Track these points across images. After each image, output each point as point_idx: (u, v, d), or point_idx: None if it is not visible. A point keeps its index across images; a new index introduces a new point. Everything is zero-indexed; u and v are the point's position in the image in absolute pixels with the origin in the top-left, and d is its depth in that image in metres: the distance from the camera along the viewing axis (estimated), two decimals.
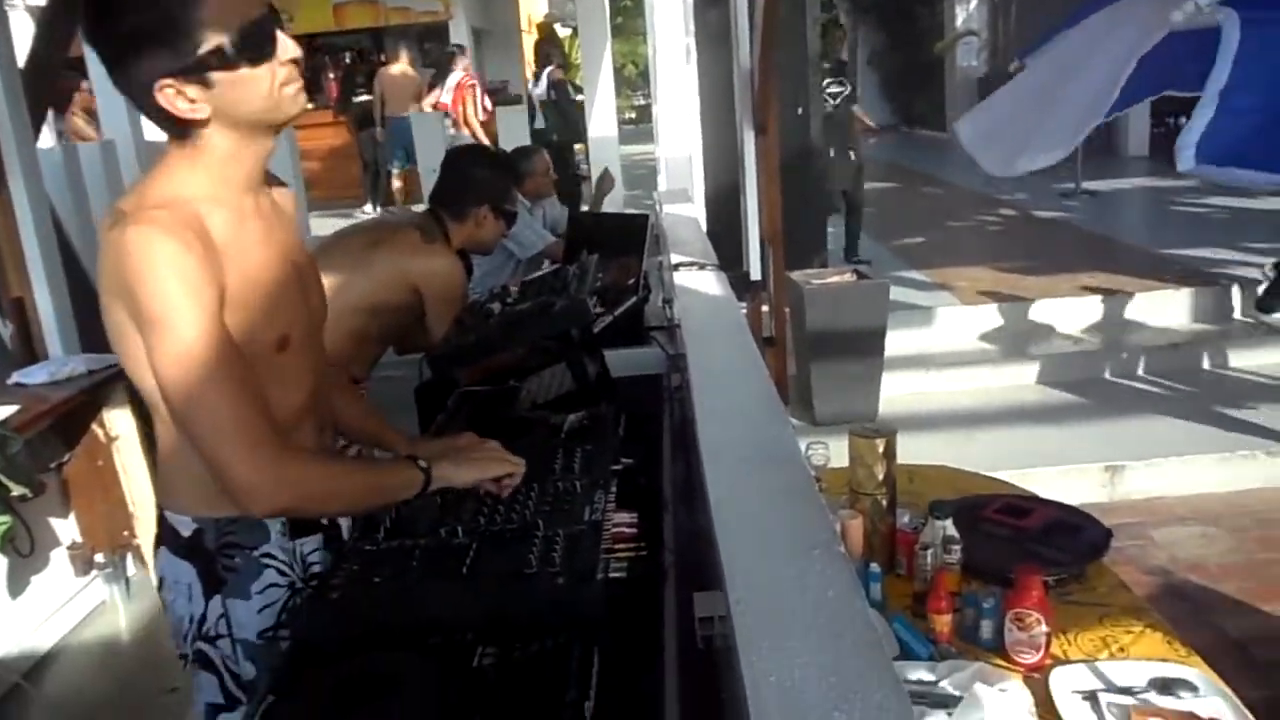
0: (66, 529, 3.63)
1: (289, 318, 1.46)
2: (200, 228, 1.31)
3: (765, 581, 1.05)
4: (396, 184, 10.43)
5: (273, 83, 1.35)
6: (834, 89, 7.12)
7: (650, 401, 2.34)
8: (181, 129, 1.35)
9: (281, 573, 1.54)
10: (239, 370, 1.33)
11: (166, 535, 1.53)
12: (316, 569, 1.59)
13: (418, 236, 2.61)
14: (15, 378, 3.54)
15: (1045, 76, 2.10)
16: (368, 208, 10.70)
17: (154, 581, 1.61)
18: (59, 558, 3.59)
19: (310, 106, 11.64)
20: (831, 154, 7.16)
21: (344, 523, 1.69)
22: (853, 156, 7.45)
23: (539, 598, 1.26)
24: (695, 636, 1.22)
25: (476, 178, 2.71)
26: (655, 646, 1.32)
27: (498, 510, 1.54)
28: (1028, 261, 7.03)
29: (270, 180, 1.53)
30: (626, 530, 1.44)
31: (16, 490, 2.98)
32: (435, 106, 9.47)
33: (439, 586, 1.31)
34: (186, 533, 1.51)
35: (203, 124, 1.34)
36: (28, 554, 3.27)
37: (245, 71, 1.32)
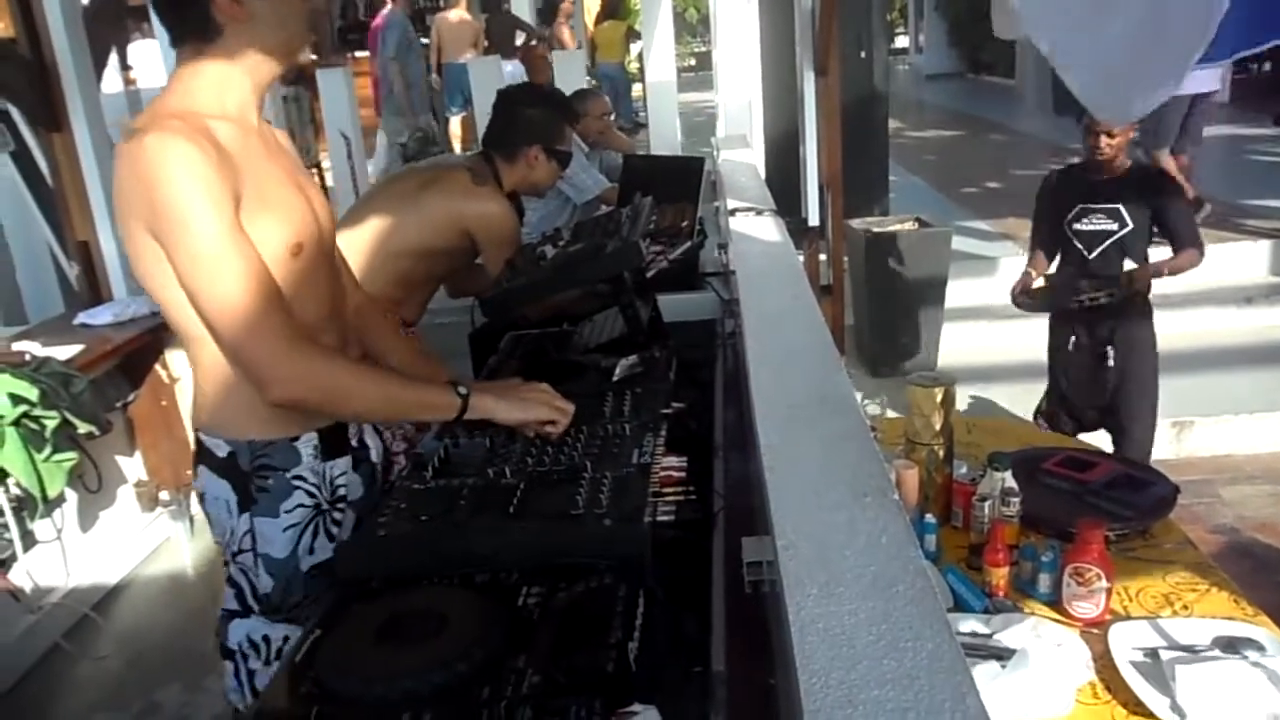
0: (133, 467, 3.73)
1: (300, 225, 1.51)
2: (211, 136, 1.38)
3: (815, 527, 1.02)
4: (455, 130, 10.42)
5: (303, 17, 1.47)
6: (1097, 225, 3.40)
7: (704, 347, 2.31)
8: (211, 30, 1.41)
9: (310, 494, 1.60)
10: (256, 266, 1.39)
11: (205, 455, 1.60)
12: (343, 492, 1.66)
13: (468, 179, 2.58)
14: (81, 318, 3.62)
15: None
16: None
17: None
18: (126, 494, 3.69)
19: (366, 54, 11.65)
20: (1072, 346, 3.51)
21: (374, 446, 1.76)
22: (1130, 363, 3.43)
23: (585, 539, 1.24)
24: (743, 582, 1.21)
25: (527, 117, 2.66)
26: (702, 590, 1.31)
27: (546, 452, 1.53)
28: None
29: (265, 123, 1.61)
30: (675, 474, 1.42)
31: (83, 428, 3.05)
32: None
33: (486, 525, 1.30)
34: (222, 454, 1.58)
35: (238, 24, 1.41)
36: (96, 490, 3.36)
37: None
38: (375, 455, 1.77)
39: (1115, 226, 3.40)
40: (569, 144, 2.79)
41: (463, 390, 1.54)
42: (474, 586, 1.21)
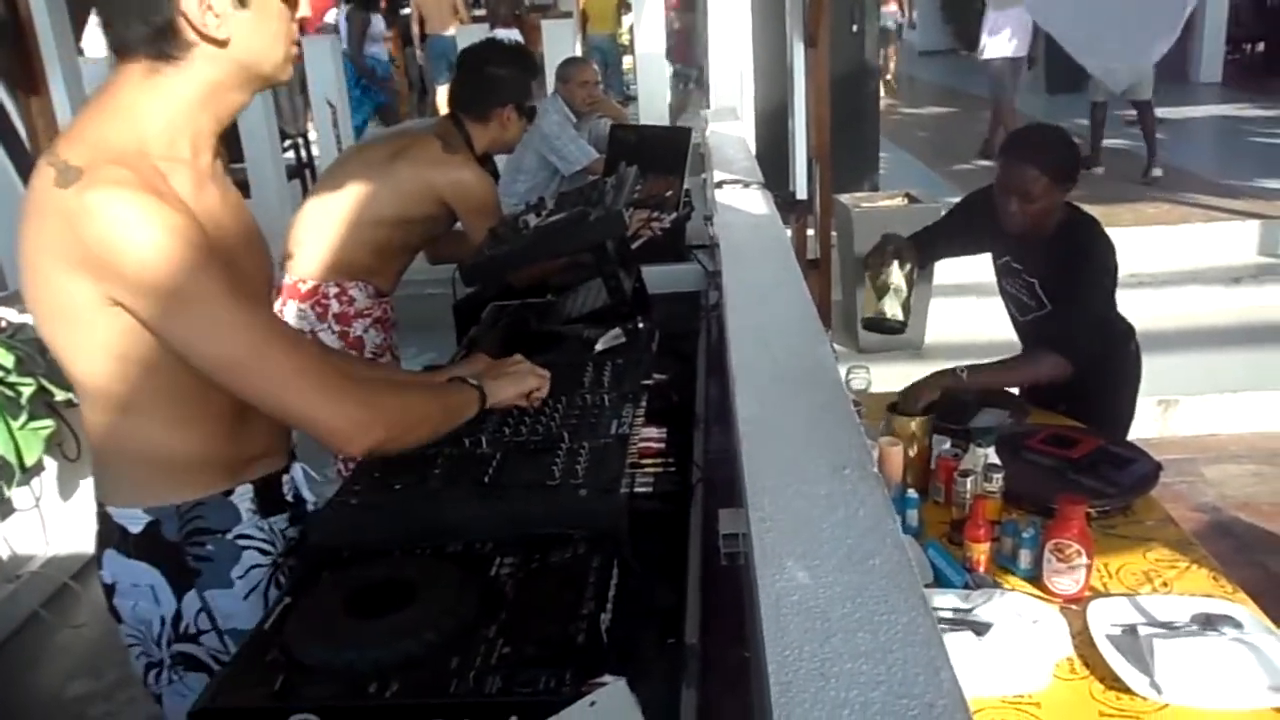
0: None
1: (259, 283, 1.36)
2: (168, 187, 1.18)
3: (791, 499, 1.01)
4: (441, 101, 10.33)
5: (289, 30, 1.28)
6: (1019, 293, 2.69)
7: (688, 318, 2.29)
8: (175, 47, 1.19)
9: (263, 551, 1.40)
10: (277, 319, 1.29)
11: (112, 536, 1.36)
12: (295, 545, 1.45)
13: (439, 147, 2.55)
14: None
15: None
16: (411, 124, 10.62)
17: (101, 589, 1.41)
18: None
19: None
20: None
21: (309, 496, 1.54)
22: None
23: (560, 509, 1.23)
24: (719, 554, 1.19)
25: (498, 77, 2.63)
26: (677, 562, 1.29)
27: (523, 421, 1.51)
28: (1086, 191, 6.77)
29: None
30: (654, 445, 1.41)
31: (60, 395, 3.01)
32: None
33: (459, 495, 1.29)
34: (137, 528, 1.33)
35: (215, 46, 1.21)
36: (75, 458, 3.32)
37: (276, 3, 1.24)
38: (311, 506, 1.54)
39: (1033, 304, 2.59)
40: (533, 99, 2.77)
41: (474, 382, 1.48)
42: (446, 556, 1.19)
